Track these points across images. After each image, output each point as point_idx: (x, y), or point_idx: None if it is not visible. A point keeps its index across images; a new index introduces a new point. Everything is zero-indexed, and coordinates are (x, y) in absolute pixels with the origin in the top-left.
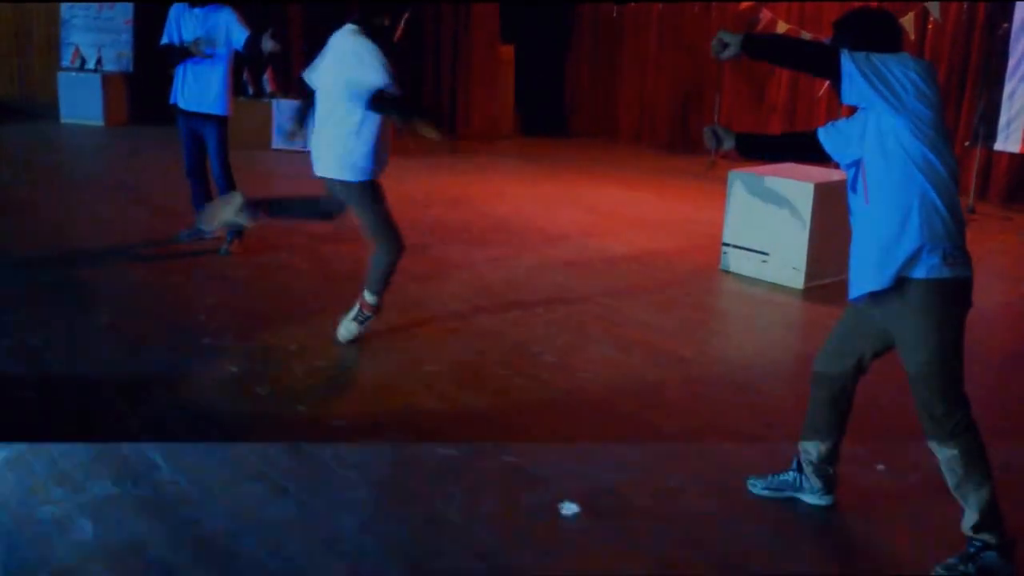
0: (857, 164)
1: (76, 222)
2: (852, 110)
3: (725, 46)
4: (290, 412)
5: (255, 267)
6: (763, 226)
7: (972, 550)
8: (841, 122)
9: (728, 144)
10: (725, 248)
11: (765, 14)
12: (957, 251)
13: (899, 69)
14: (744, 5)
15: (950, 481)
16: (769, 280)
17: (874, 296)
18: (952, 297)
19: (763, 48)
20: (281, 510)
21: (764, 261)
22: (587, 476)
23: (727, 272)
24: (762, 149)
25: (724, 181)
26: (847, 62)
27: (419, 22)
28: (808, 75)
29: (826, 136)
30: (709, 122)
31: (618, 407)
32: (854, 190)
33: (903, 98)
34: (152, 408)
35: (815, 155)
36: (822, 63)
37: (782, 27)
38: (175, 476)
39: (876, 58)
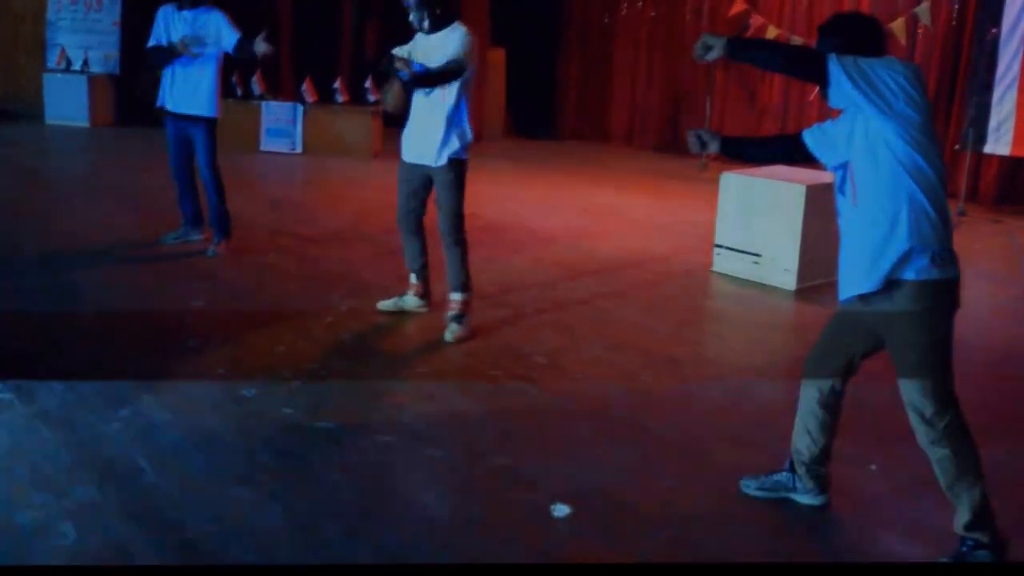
0: (844, 167)
1: (61, 223)
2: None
3: (708, 48)
4: (277, 414)
5: (242, 269)
6: (755, 228)
7: (964, 549)
8: (827, 124)
9: (713, 147)
10: (717, 249)
11: (756, 19)
12: (945, 252)
13: (887, 73)
14: (734, 10)
15: (942, 480)
16: (761, 281)
17: (864, 297)
18: (941, 298)
19: (748, 51)
20: (267, 514)
21: (756, 263)
22: (578, 477)
23: (719, 273)
24: (748, 151)
25: (716, 183)
26: (834, 66)
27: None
28: (794, 79)
29: (811, 138)
30: (700, 124)
31: (610, 408)
32: (842, 192)
33: (891, 102)
34: (137, 411)
35: (801, 157)
36: (808, 67)
37: (772, 32)
38: (160, 480)
39: (863, 62)
